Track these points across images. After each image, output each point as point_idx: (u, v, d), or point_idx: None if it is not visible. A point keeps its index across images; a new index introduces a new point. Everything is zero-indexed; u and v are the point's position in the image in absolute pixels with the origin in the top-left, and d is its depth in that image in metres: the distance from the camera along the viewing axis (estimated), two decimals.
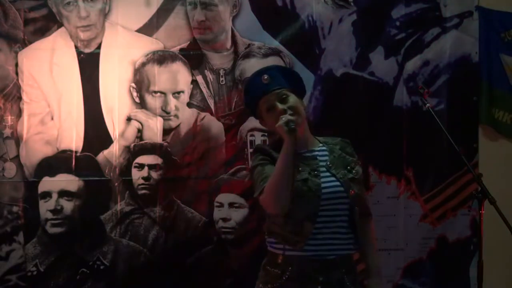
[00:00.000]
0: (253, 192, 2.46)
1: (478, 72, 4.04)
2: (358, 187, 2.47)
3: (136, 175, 3.74)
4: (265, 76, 2.45)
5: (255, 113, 2.54)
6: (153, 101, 3.76)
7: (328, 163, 2.46)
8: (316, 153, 2.49)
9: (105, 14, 3.74)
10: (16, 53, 3.66)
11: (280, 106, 2.41)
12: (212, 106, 3.82)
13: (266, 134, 3.78)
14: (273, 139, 2.61)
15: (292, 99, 2.43)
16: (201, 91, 3.81)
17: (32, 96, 3.68)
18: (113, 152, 3.72)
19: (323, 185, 2.41)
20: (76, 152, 3.68)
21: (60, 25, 3.71)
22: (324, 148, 2.51)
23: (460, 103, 4.03)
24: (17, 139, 3.66)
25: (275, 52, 3.86)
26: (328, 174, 2.44)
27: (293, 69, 2.53)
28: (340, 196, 2.41)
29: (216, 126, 3.81)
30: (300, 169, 2.41)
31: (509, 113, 4.09)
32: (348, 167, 2.47)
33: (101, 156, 3.71)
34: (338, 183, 2.42)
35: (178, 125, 3.79)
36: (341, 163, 2.47)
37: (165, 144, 3.76)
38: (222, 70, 3.84)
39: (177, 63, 3.79)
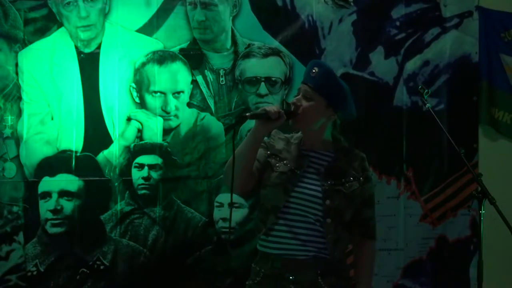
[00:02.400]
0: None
1: (478, 72, 4.05)
2: (341, 202, 2.42)
3: (136, 175, 3.74)
4: (315, 69, 2.45)
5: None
6: (153, 101, 3.76)
7: (322, 169, 2.46)
8: (316, 155, 2.49)
9: (105, 14, 3.73)
10: (16, 53, 3.66)
11: (296, 100, 2.44)
12: (212, 106, 3.83)
13: None
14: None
15: (313, 104, 2.42)
16: (201, 91, 3.82)
17: (32, 96, 3.68)
18: (113, 152, 3.72)
19: (301, 184, 2.42)
20: (76, 152, 3.68)
21: (60, 25, 3.70)
22: (331, 154, 2.49)
23: (460, 103, 4.03)
24: (17, 139, 3.66)
25: (275, 52, 3.86)
26: (315, 177, 2.44)
27: (340, 82, 2.48)
28: (313, 201, 2.41)
29: (216, 126, 3.82)
30: (284, 162, 2.44)
31: (509, 113, 4.09)
32: (343, 180, 2.45)
33: (101, 156, 3.71)
34: (318, 188, 2.42)
35: (178, 125, 3.79)
36: (337, 173, 2.45)
37: (165, 144, 3.76)
38: (222, 70, 3.84)
39: (177, 63, 3.79)
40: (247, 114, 2.37)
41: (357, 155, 2.52)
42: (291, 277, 2.40)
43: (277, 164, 2.46)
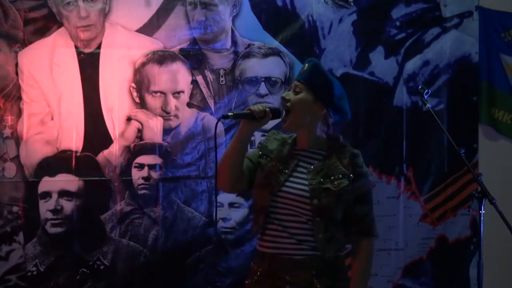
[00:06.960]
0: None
1: (478, 72, 4.05)
2: (330, 200, 2.38)
3: (136, 175, 3.74)
4: (305, 65, 2.50)
5: None
6: (153, 101, 3.76)
7: (312, 167, 2.44)
8: (308, 154, 2.47)
9: (105, 14, 3.73)
10: (16, 53, 3.66)
11: (285, 94, 2.48)
12: (212, 106, 3.83)
13: (265, 134, 3.78)
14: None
15: (302, 96, 2.44)
16: (201, 91, 3.82)
17: (32, 96, 3.68)
18: (113, 152, 3.72)
19: (289, 184, 2.41)
20: (76, 152, 3.68)
21: (60, 25, 3.70)
22: (321, 153, 2.47)
23: (460, 103, 4.04)
24: (17, 139, 3.66)
25: (275, 52, 3.86)
26: (304, 176, 2.43)
27: (328, 76, 2.50)
28: (301, 201, 2.39)
29: None
30: (274, 163, 2.46)
31: (509, 113, 4.09)
32: (332, 177, 2.40)
33: (101, 156, 3.71)
34: (306, 187, 2.40)
35: (178, 125, 3.79)
36: (326, 171, 2.42)
37: (165, 144, 3.76)
38: (222, 70, 3.84)
39: (177, 63, 3.79)
40: (230, 113, 2.41)
41: (348, 152, 2.46)
42: (287, 277, 2.39)
43: (268, 165, 2.46)
